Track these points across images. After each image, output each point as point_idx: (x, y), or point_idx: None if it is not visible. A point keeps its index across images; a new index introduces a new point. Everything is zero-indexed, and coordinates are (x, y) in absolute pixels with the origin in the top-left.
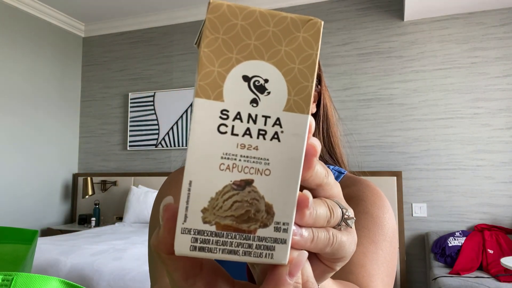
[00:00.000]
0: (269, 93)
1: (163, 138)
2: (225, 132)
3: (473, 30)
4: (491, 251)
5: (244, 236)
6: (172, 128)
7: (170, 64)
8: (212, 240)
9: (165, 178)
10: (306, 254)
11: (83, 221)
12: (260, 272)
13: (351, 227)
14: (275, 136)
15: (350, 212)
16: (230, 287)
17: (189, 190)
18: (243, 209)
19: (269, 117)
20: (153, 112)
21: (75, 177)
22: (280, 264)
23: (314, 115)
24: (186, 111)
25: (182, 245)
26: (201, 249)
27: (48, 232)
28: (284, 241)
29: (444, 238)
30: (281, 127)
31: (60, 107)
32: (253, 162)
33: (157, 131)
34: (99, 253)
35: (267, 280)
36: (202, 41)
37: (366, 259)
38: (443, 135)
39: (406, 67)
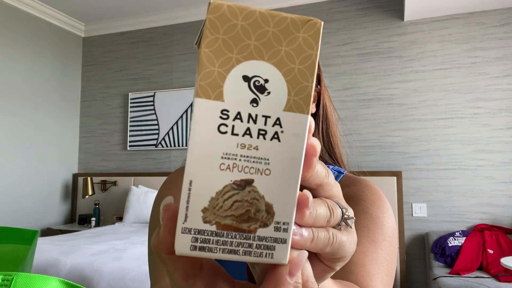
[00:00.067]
0: (269, 93)
1: (163, 138)
2: (225, 132)
3: (473, 30)
4: (491, 251)
5: (244, 235)
6: (172, 128)
7: (170, 64)
8: (213, 239)
9: (165, 178)
10: (306, 254)
11: (83, 221)
12: (260, 272)
13: (351, 227)
14: (275, 136)
15: (350, 212)
16: (230, 287)
17: (189, 190)
18: (243, 208)
19: (269, 117)
20: (153, 112)
21: (75, 177)
22: (280, 264)
23: (313, 115)
24: (186, 111)
25: (183, 245)
26: (202, 248)
27: (48, 232)
28: (284, 241)
29: (444, 238)
30: (281, 127)
31: (60, 107)
32: (253, 162)
33: (157, 131)
34: (99, 253)
35: (267, 279)
36: (203, 41)
37: (366, 259)
38: (443, 135)
39: (406, 67)
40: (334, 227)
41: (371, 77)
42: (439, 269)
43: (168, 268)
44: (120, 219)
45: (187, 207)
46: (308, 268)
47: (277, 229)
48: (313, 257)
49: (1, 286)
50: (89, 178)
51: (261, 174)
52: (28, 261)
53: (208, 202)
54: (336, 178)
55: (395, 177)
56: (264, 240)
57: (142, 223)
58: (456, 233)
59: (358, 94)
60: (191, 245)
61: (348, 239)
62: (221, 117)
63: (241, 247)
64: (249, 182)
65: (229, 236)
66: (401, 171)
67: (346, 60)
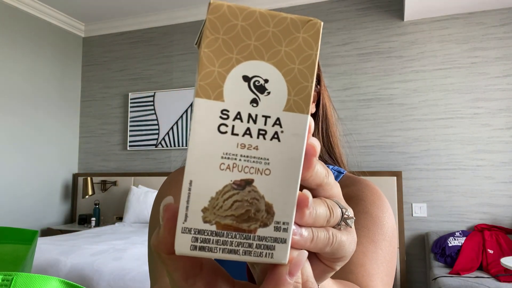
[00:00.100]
0: (269, 93)
1: (163, 138)
2: (225, 132)
3: (473, 30)
4: (491, 251)
5: (244, 235)
6: (172, 128)
7: (170, 64)
8: (213, 239)
9: (165, 178)
10: (306, 253)
11: (83, 221)
12: (260, 272)
13: (350, 227)
14: (275, 136)
15: (350, 212)
16: (230, 287)
17: (189, 189)
18: (243, 208)
19: (269, 117)
20: (153, 112)
21: (75, 177)
22: (280, 264)
23: (313, 115)
24: (186, 111)
25: (183, 245)
26: (202, 248)
27: (48, 232)
28: (284, 241)
29: (444, 238)
30: (281, 127)
31: (60, 107)
32: (253, 161)
33: (157, 131)
34: (99, 253)
35: (267, 279)
36: (203, 41)
37: (366, 259)
38: (443, 135)
39: (406, 67)
40: (334, 227)
41: (371, 77)
42: (439, 269)
43: (168, 268)
44: (120, 219)
45: (187, 207)
46: (308, 268)
47: (277, 229)
48: (313, 257)
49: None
50: (89, 178)
51: (261, 174)
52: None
53: (208, 202)
54: (336, 178)
55: (395, 177)
56: (264, 240)
57: (142, 223)
58: (456, 233)
59: (358, 94)
60: (191, 245)
61: (348, 239)
62: (221, 117)
63: (241, 247)
64: (249, 182)
65: (229, 236)
66: (401, 171)
67: (346, 60)
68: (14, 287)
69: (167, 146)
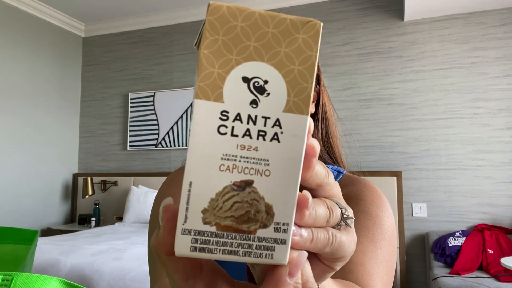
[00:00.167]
0: (268, 94)
1: (163, 138)
2: (225, 133)
3: (473, 30)
4: (491, 251)
5: (244, 236)
6: (172, 128)
7: (170, 64)
8: (212, 240)
9: (165, 178)
10: (306, 254)
11: (83, 221)
12: (260, 272)
13: (350, 227)
14: (275, 137)
15: (350, 212)
16: (230, 287)
17: (189, 191)
18: (243, 209)
19: (269, 118)
20: (153, 112)
21: (75, 177)
22: (280, 265)
23: (313, 115)
24: (186, 111)
25: (183, 246)
26: (202, 249)
27: (48, 232)
28: (284, 242)
29: (444, 238)
30: (280, 128)
31: (60, 107)
32: (253, 163)
33: (157, 131)
34: (99, 253)
35: (267, 280)
36: (202, 42)
37: (366, 258)
38: (443, 135)
39: (406, 67)
40: (333, 227)
41: (371, 77)
42: (439, 269)
43: (168, 269)
44: (120, 219)
45: (187, 208)
46: (307, 268)
47: (277, 229)
48: (313, 257)
49: (1, 286)
50: (89, 178)
51: (261, 175)
52: (28, 261)
53: (208, 203)
54: (336, 178)
55: (395, 177)
56: (264, 241)
57: (142, 223)
58: (456, 233)
59: (358, 94)
60: (191, 246)
61: (347, 239)
62: (220, 118)
63: (241, 248)
64: (249, 183)
65: (229, 237)
66: (401, 171)
67: (346, 60)
68: (14, 287)
69: (167, 146)
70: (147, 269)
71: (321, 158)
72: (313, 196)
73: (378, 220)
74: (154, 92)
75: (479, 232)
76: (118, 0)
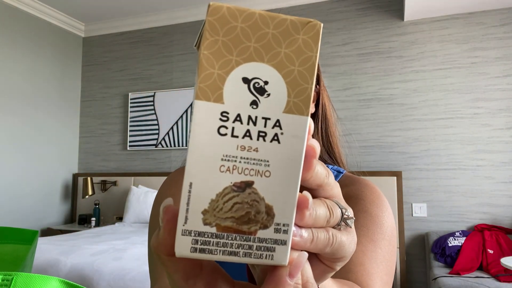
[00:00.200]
0: (269, 95)
1: (163, 138)
2: (225, 134)
3: (473, 30)
4: (491, 251)
5: (244, 237)
6: (172, 128)
7: (170, 64)
8: (213, 241)
9: (165, 178)
10: (306, 255)
11: (83, 221)
12: (260, 272)
13: (350, 227)
14: (275, 138)
15: (350, 212)
16: (230, 287)
17: (189, 192)
18: (244, 210)
19: (269, 119)
20: (153, 112)
21: (75, 177)
22: (280, 265)
23: (313, 115)
24: (186, 111)
25: (183, 247)
26: (202, 250)
27: (48, 232)
28: (284, 242)
29: (444, 238)
30: (281, 128)
31: (60, 107)
32: (253, 163)
33: (157, 131)
34: (99, 253)
35: (267, 281)
36: (202, 43)
37: (365, 258)
38: (443, 135)
39: (406, 67)
40: (333, 227)
41: (371, 77)
42: (439, 269)
43: (168, 269)
44: (120, 219)
45: (187, 209)
46: (308, 269)
47: (277, 230)
48: (313, 257)
49: (1, 286)
50: (89, 178)
51: (261, 176)
52: (28, 261)
53: (208, 204)
54: (336, 177)
55: (395, 177)
56: (264, 242)
57: (142, 223)
58: (456, 233)
59: (358, 94)
60: (191, 247)
61: (347, 239)
62: (221, 119)
63: (241, 248)
64: (249, 184)
65: (229, 238)
66: (401, 171)
67: (346, 60)
68: (14, 287)
69: (167, 146)
70: (147, 269)
71: (321, 158)
72: (313, 196)
73: (378, 219)
74: (154, 92)
75: (479, 232)
76: (118, 0)
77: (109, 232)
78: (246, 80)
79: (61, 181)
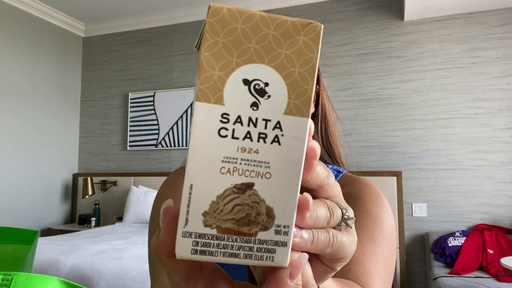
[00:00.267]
0: (269, 96)
1: (163, 138)
2: (226, 136)
3: (473, 30)
4: (491, 251)
5: (245, 239)
6: (172, 128)
7: (170, 64)
8: (213, 243)
9: (165, 178)
10: (306, 256)
11: (83, 221)
12: (261, 273)
13: (351, 227)
14: (276, 140)
15: (350, 212)
16: (230, 287)
17: (190, 193)
18: (244, 212)
19: (270, 120)
20: (153, 112)
21: (75, 177)
22: (281, 267)
23: (312, 115)
24: (186, 111)
25: (183, 249)
26: (202, 252)
27: (48, 232)
28: (284, 244)
29: (444, 238)
30: (281, 130)
31: (60, 107)
32: (254, 165)
33: (157, 131)
34: (99, 253)
35: (267, 282)
36: (202, 44)
37: (365, 257)
38: (443, 135)
39: (406, 67)
40: (334, 228)
41: (371, 77)
42: (439, 269)
43: (168, 270)
44: (120, 219)
45: (187, 211)
46: (308, 270)
47: (277, 232)
48: (314, 257)
49: (1, 286)
50: (89, 178)
51: (262, 177)
52: (28, 261)
53: (208, 206)
54: (335, 177)
55: (395, 177)
56: (264, 243)
57: (142, 223)
58: (456, 233)
59: (358, 94)
60: (192, 249)
61: (348, 240)
62: (221, 121)
63: (242, 250)
64: (249, 186)
65: (230, 240)
66: (401, 171)
67: (346, 60)
68: (14, 287)
69: (167, 146)
70: (147, 269)
71: (320, 158)
72: (314, 197)
73: (378, 219)
74: (154, 92)
75: (479, 232)
76: (118, 0)
77: (109, 232)
78: (246, 82)
79: (61, 181)
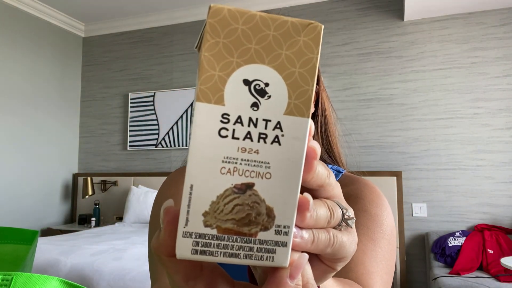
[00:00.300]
0: (269, 97)
1: (163, 138)
2: (226, 136)
3: (473, 30)
4: (491, 251)
5: (245, 239)
6: (172, 128)
7: (170, 64)
8: (213, 243)
9: (165, 178)
10: (306, 256)
11: (83, 221)
12: (262, 272)
13: (351, 227)
14: (276, 140)
15: (350, 212)
16: (230, 287)
17: (190, 193)
18: (244, 212)
19: (270, 120)
20: (153, 112)
21: (75, 177)
22: (281, 267)
23: (312, 115)
24: (186, 111)
25: (184, 249)
26: (203, 252)
27: (48, 232)
28: (285, 244)
29: (444, 238)
30: (281, 130)
31: (60, 107)
32: (254, 165)
33: (157, 131)
34: (99, 253)
35: (267, 282)
36: (203, 45)
37: (365, 257)
38: (443, 135)
39: (406, 67)
40: (334, 228)
41: (371, 77)
42: (439, 269)
43: (168, 270)
44: (120, 219)
45: (188, 211)
46: (308, 270)
47: (278, 232)
48: (314, 257)
49: (0, 286)
50: (89, 178)
51: (262, 177)
52: (28, 261)
53: (209, 206)
54: (335, 177)
55: (395, 177)
56: (265, 244)
57: (142, 223)
58: (456, 233)
59: (358, 94)
60: (192, 249)
61: (348, 239)
62: (221, 121)
63: (242, 250)
64: (249, 186)
65: (230, 240)
66: (401, 171)
67: (346, 60)
68: (14, 287)
69: (167, 146)
70: (147, 269)
71: (320, 158)
72: (314, 197)
73: (378, 219)
74: (154, 92)
75: (479, 232)
76: (118, 0)
77: (109, 232)
78: (247, 82)
79: (61, 181)
